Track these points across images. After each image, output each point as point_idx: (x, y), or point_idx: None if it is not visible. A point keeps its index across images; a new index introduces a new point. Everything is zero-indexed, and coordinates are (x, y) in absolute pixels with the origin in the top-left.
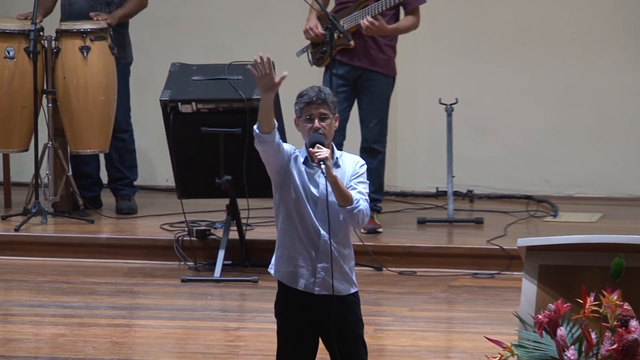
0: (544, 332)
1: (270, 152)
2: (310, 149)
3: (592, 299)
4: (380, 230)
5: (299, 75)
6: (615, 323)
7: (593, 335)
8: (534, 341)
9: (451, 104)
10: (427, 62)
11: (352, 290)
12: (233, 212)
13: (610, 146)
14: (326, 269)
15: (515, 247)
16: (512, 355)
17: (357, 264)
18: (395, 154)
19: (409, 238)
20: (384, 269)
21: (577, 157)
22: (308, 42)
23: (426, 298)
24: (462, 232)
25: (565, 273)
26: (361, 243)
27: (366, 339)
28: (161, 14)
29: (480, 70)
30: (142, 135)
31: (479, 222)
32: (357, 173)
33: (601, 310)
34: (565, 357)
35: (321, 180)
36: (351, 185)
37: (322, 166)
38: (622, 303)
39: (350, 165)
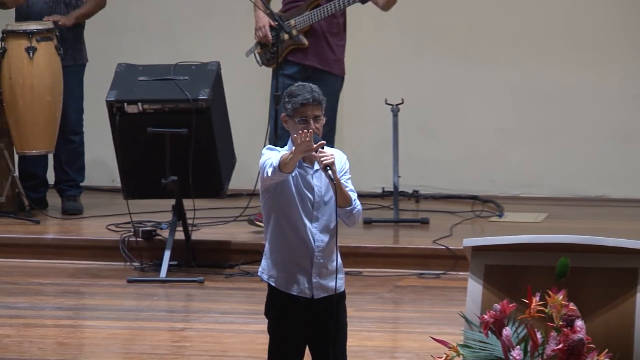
0: (489, 332)
1: (280, 180)
2: (314, 153)
3: (537, 298)
4: None
5: (247, 75)
6: (561, 323)
7: (538, 335)
8: (480, 341)
9: (397, 104)
10: (373, 63)
11: (343, 286)
12: (179, 213)
13: (555, 146)
14: (321, 273)
15: (461, 247)
16: (458, 355)
17: None
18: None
19: (354, 238)
20: None
21: (522, 158)
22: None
23: (372, 298)
24: (408, 232)
25: (511, 273)
26: None
27: None
28: (117, 15)
29: (426, 71)
30: (95, 135)
31: (424, 222)
32: (344, 169)
33: (547, 310)
34: (511, 357)
35: (315, 182)
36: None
37: (329, 171)
38: (567, 303)
39: (338, 161)
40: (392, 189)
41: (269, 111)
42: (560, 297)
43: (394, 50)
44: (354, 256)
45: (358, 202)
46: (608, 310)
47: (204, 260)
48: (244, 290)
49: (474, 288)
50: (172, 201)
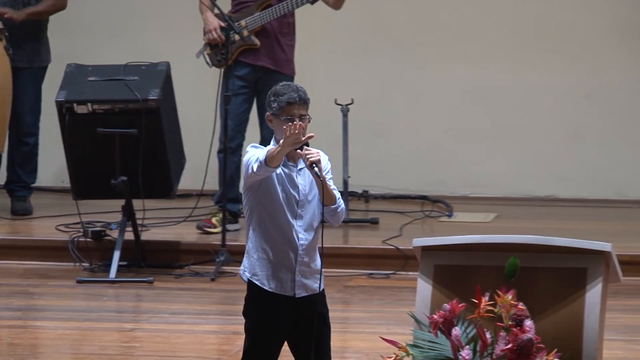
0: (438, 332)
1: (266, 176)
2: (299, 151)
3: (486, 298)
4: None
5: (197, 75)
6: (510, 323)
7: (488, 335)
8: (429, 341)
9: (347, 105)
10: (323, 63)
11: (322, 285)
12: (128, 213)
13: (504, 147)
14: (303, 272)
15: (411, 247)
16: (407, 355)
17: None
18: None
19: None
20: None
21: (471, 158)
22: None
23: None
24: (357, 232)
25: (460, 273)
26: None
27: None
28: (70, 16)
29: (376, 71)
30: (46, 135)
31: (374, 222)
32: (326, 168)
33: (496, 310)
34: (460, 356)
35: (299, 180)
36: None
37: (315, 168)
38: (516, 303)
39: (322, 160)
40: (341, 189)
41: (218, 111)
42: (510, 297)
43: (344, 50)
44: None
45: (341, 201)
46: (557, 310)
47: (154, 261)
48: (194, 291)
49: (424, 288)
50: (122, 201)
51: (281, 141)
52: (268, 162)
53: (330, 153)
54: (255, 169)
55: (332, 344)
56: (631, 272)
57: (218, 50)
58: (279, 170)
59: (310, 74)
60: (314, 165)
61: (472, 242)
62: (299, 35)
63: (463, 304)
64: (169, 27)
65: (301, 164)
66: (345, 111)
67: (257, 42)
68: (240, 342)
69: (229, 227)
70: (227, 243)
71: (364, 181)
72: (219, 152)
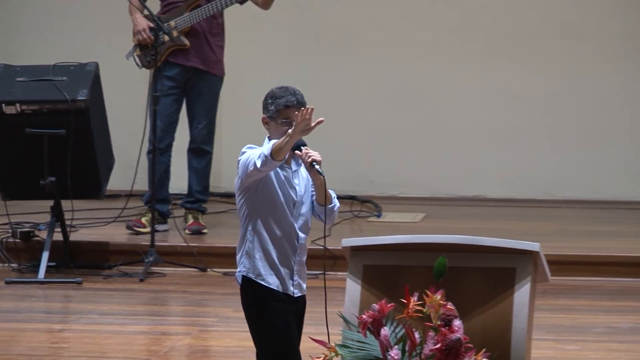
0: (367, 332)
1: (269, 172)
2: (297, 152)
3: (415, 298)
4: (205, 231)
5: (126, 76)
6: (439, 322)
7: (416, 335)
8: (358, 341)
9: None
10: (253, 63)
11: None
12: (57, 214)
13: (433, 147)
14: (300, 272)
15: (340, 247)
16: (336, 355)
17: (181, 265)
18: (221, 155)
19: (233, 239)
20: (209, 270)
21: (400, 158)
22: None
23: None
24: None
25: (389, 273)
26: (186, 244)
27: (190, 340)
28: (6, 17)
29: (305, 71)
30: None
31: None
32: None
33: (424, 310)
34: (389, 356)
35: (295, 181)
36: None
37: (317, 167)
38: (445, 303)
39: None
40: None
41: (147, 112)
42: (438, 297)
43: (273, 50)
44: (232, 257)
45: (337, 200)
46: (486, 310)
47: (83, 261)
48: (123, 291)
49: (353, 288)
50: (51, 202)
51: (289, 130)
52: (274, 156)
53: None
54: (259, 165)
55: None
56: (559, 272)
57: (147, 51)
58: (277, 172)
59: (240, 74)
60: (315, 163)
61: (401, 242)
62: (229, 35)
63: (392, 304)
64: (98, 28)
65: (295, 166)
66: None
67: (186, 42)
68: (168, 342)
69: (158, 227)
70: (156, 243)
71: None
72: (148, 152)
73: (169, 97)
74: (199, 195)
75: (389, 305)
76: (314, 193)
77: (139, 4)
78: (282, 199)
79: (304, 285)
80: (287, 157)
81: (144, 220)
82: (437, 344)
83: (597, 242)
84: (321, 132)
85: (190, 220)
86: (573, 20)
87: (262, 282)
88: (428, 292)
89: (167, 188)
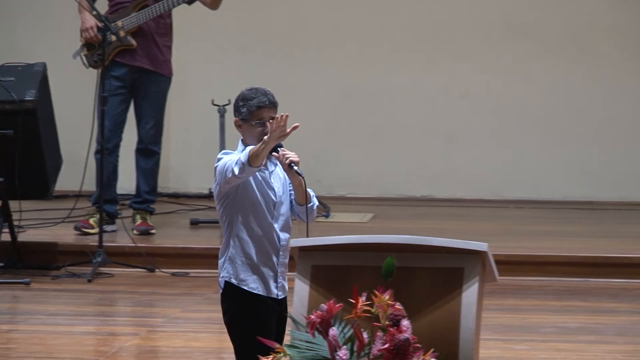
0: (315, 332)
1: (247, 178)
2: (275, 153)
3: (363, 298)
4: (153, 231)
5: (74, 76)
6: (387, 322)
7: (365, 335)
8: (306, 341)
9: (223, 105)
10: (200, 63)
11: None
12: (5, 214)
13: (381, 147)
14: (283, 273)
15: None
16: (285, 355)
17: (129, 266)
18: (168, 155)
19: (181, 239)
20: (157, 270)
21: (348, 158)
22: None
23: (199, 299)
24: None
25: (338, 273)
26: (134, 244)
27: (139, 341)
28: None
29: (253, 71)
30: None
31: None
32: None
33: (373, 310)
34: (337, 356)
35: (273, 182)
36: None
37: (295, 168)
38: (393, 303)
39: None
40: None
41: (95, 112)
42: (387, 297)
43: (221, 50)
44: (180, 257)
45: (315, 198)
46: (434, 310)
47: (31, 262)
48: (71, 292)
49: (301, 288)
50: None
51: (265, 137)
52: (251, 162)
53: (207, 154)
54: (237, 172)
55: (210, 344)
56: (507, 272)
57: (95, 51)
58: (254, 175)
59: (187, 74)
60: (293, 164)
61: (349, 243)
62: (176, 35)
63: (340, 304)
64: (46, 28)
65: (271, 167)
66: (222, 112)
67: (133, 42)
68: (116, 343)
69: (106, 228)
70: (104, 244)
71: None
72: (96, 152)
73: (117, 97)
74: (147, 195)
75: (337, 305)
76: (291, 193)
77: (86, 4)
78: (261, 201)
79: (286, 286)
80: (264, 162)
81: (91, 221)
82: (385, 344)
83: (545, 242)
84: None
85: (138, 221)
86: (519, 19)
87: (245, 287)
88: (376, 292)
89: (115, 188)
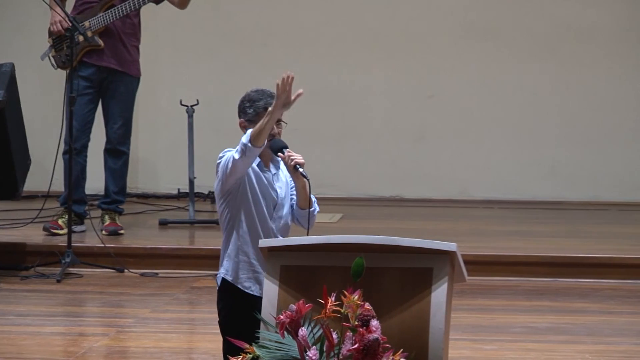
0: (285, 333)
1: (249, 164)
2: (280, 154)
3: (333, 299)
4: (122, 232)
5: (42, 76)
6: (356, 323)
7: (334, 335)
8: (276, 341)
9: (192, 105)
10: (168, 64)
11: None
12: None
13: (349, 147)
14: None
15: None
16: (254, 355)
17: (98, 266)
18: (137, 155)
19: (150, 239)
20: (126, 270)
21: (317, 158)
22: (51, 45)
23: (168, 299)
24: (203, 233)
25: (307, 273)
26: (103, 245)
27: (108, 341)
28: None
29: (221, 71)
30: None
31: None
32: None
33: (342, 310)
34: (307, 357)
35: (278, 184)
36: (293, 186)
37: (300, 169)
38: (363, 303)
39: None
40: (187, 190)
41: (64, 112)
42: (356, 297)
43: (189, 50)
44: (149, 257)
45: (316, 204)
46: (403, 310)
47: None
48: (40, 292)
49: (270, 289)
50: None
51: (269, 109)
52: (254, 142)
53: (176, 154)
54: (237, 156)
55: (179, 344)
56: (476, 272)
57: (63, 52)
58: (259, 173)
59: (155, 74)
60: (298, 166)
61: (318, 243)
62: (145, 35)
63: (310, 304)
64: (14, 29)
65: (274, 169)
66: (190, 112)
67: (100, 42)
68: (86, 343)
69: (75, 228)
70: (73, 244)
71: (210, 182)
72: (64, 153)
73: (84, 97)
74: (116, 196)
75: (306, 305)
76: (293, 197)
77: (55, 4)
78: (262, 201)
79: None
80: (265, 144)
81: (60, 221)
82: (355, 344)
83: (514, 242)
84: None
85: (107, 221)
86: (486, 21)
87: (240, 287)
88: (346, 293)
89: (83, 188)
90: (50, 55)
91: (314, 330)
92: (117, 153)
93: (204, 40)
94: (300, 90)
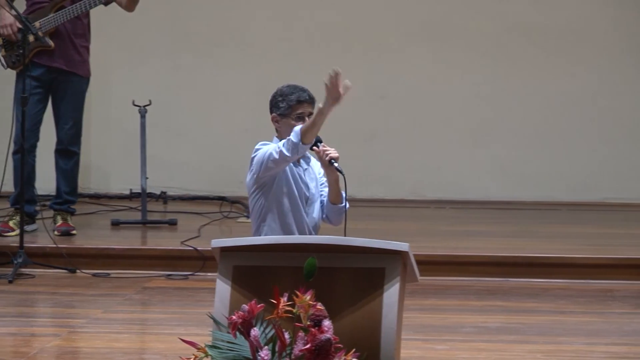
0: (237, 333)
1: (293, 161)
2: (316, 148)
3: (285, 299)
4: (74, 232)
5: None
6: (308, 323)
7: (286, 336)
8: (228, 342)
9: (144, 106)
10: (120, 64)
11: None
12: None
13: None
14: None
15: (209, 248)
16: (206, 356)
17: (50, 267)
18: (89, 155)
19: (102, 240)
20: (78, 271)
21: None
22: None
23: (120, 300)
24: (156, 233)
25: (259, 273)
26: (55, 245)
27: (60, 342)
28: None
29: (174, 72)
30: None
31: (172, 223)
32: (321, 173)
33: (294, 311)
34: (259, 357)
35: (309, 180)
36: (323, 183)
37: (335, 164)
38: (314, 303)
39: (317, 163)
40: (139, 190)
41: (14, 113)
42: (308, 298)
43: (141, 51)
44: (102, 258)
45: (346, 201)
46: (355, 310)
47: None
48: None
49: (222, 289)
50: None
51: (319, 105)
52: (304, 139)
53: (128, 154)
54: (288, 153)
55: (131, 345)
56: (428, 272)
57: (13, 53)
58: (291, 168)
59: (108, 75)
60: (333, 161)
61: (270, 243)
62: (96, 36)
63: (262, 304)
64: None
65: (305, 165)
66: (143, 112)
67: (51, 43)
68: (37, 344)
69: (27, 228)
70: (25, 245)
71: (162, 182)
72: (14, 153)
73: (34, 96)
74: (68, 196)
75: (258, 305)
76: (322, 194)
77: (5, 3)
78: (296, 194)
79: None
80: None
81: (11, 223)
82: (306, 344)
83: (466, 242)
84: (190, 133)
85: (59, 222)
86: (438, 20)
87: None
88: (298, 293)
89: (33, 188)
90: (0, 55)
91: (266, 331)
92: (68, 153)
93: (156, 41)
94: (349, 83)
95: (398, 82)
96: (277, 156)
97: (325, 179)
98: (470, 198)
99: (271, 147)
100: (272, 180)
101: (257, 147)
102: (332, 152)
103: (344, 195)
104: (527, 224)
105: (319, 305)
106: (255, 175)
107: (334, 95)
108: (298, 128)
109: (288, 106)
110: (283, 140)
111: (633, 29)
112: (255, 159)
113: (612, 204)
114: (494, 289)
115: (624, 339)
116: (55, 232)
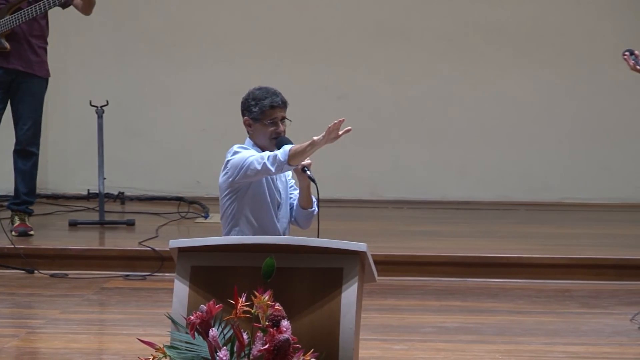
0: (196, 333)
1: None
2: None
3: (243, 299)
4: (31, 232)
5: None
6: (267, 323)
7: (245, 336)
8: (186, 342)
9: (102, 106)
10: (78, 64)
11: None
12: None
13: None
14: None
15: (167, 249)
16: (165, 356)
17: (8, 267)
18: (47, 156)
19: (60, 240)
20: (36, 271)
21: (222, 160)
22: None
23: (78, 300)
24: (113, 234)
25: (217, 274)
26: (12, 246)
27: (18, 342)
28: None
29: (131, 72)
30: None
31: (130, 223)
32: (289, 175)
33: (253, 311)
34: (217, 357)
35: (280, 185)
36: (292, 185)
37: (308, 172)
38: (273, 303)
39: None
40: (97, 191)
41: None
42: (266, 298)
43: (98, 51)
44: (59, 258)
45: (316, 206)
46: (314, 310)
47: None
48: None
49: (180, 289)
50: None
51: (315, 138)
52: (291, 161)
53: (86, 155)
54: (273, 168)
55: (90, 345)
56: (387, 272)
57: None
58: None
59: (65, 75)
60: (306, 168)
61: (228, 243)
62: (54, 36)
63: (220, 304)
64: None
65: None
66: (100, 112)
67: (7, 45)
68: None
69: None
70: None
71: (120, 183)
72: None
73: None
74: (26, 196)
75: (217, 306)
76: (291, 196)
77: None
78: (269, 200)
79: None
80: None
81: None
82: (265, 344)
83: (424, 242)
84: (147, 134)
85: (17, 222)
86: (395, 20)
87: None
88: (256, 293)
89: None
90: None
91: (225, 331)
92: (27, 154)
93: (114, 41)
94: (349, 128)
95: (356, 83)
96: (259, 167)
97: (293, 181)
98: (429, 198)
99: (252, 155)
100: (247, 185)
101: (234, 149)
102: (305, 160)
103: (314, 200)
104: (485, 224)
105: (277, 306)
106: (230, 179)
107: (333, 136)
108: (288, 148)
109: (261, 111)
110: (267, 153)
111: (589, 28)
112: (232, 162)
113: (570, 204)
114: (453, 289)
115: (581, 339)
116: (13, 233)
